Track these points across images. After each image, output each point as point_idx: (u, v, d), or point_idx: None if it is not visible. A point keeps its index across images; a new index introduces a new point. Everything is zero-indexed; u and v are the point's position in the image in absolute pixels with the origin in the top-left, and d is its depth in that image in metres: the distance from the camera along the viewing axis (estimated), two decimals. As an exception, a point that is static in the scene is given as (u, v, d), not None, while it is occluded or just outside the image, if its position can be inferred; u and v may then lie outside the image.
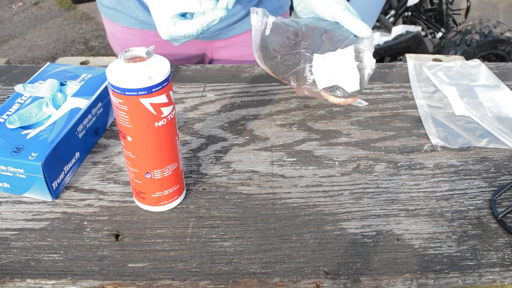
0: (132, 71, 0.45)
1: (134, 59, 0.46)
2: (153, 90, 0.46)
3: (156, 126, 0.49)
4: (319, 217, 0.56)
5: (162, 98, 0.47)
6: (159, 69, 0.47)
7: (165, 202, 0.56)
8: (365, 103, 0.69)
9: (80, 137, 0.62)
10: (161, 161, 0.52)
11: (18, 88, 0.65)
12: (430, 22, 2.23)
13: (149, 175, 0.52)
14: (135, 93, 0.46)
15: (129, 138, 0.50)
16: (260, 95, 0.78)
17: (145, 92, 0.46)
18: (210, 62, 1.00)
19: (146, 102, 0.47)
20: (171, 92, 0.49)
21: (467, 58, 0.89)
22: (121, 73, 0.46)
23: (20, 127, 0.59)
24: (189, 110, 0.74)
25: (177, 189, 0.56)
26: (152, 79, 0.46)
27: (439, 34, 2.21)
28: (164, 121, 0.49)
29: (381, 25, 2.07)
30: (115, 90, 0.46)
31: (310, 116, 0.73)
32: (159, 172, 0.52)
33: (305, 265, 0.50)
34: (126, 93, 0.46)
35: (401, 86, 0.81)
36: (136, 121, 0.48)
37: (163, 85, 0.47)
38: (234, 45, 0.94)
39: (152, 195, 0.54)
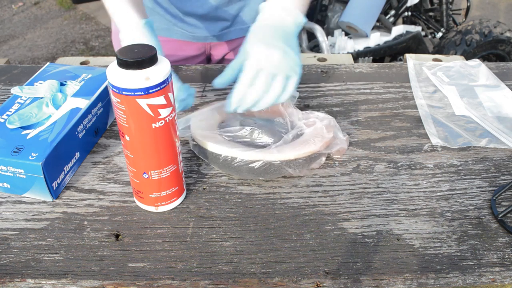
0: (131, 71, 0.45)
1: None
2: (150, 91, 0.46)
3: (153, 127, 0.49)
4: (319, 217, 0.56)
5: (160, 100, 0.47)
6: (158, 70, 0.46)
7: (162, 203, 0.55)
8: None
9: (80, 137, 0.62)
10: (158, 162, 0.52)
11: (15, 90, 0.65)
12: (430, 22, 2.23)
13: (146, 175, 0.52)
14: (132, 93, 0.46)
15: (127, 138, 0.50)
16: (260, 95, 0.78)
17: (142, 92, 0.46)
18: (209, 58, 1.00)
19: (143, 102, 0.46)
20: (170, 94, 0.48)
21: (467, 58, 0.89)
22: (119, 73, 0.46)
23: (20, 127, 0.59)
24: (189, 110, 0.74)
25: (176, 191, 0.56)
26: (150, 80, 0.46)
27: (439, 34, 2.21)
28: (162, 123, 0.49)
29: (381, 25, 2.07)
30: (113, 89, 0.46)
31: (310, 116, 0.73)
32: (157, 173, 0.52)
33: (305, 265, 0.50)
34: (124, 92, 0.46)
35: (401, 86, 0.81)
36: (133, 121, 0.48)
37: (161, 86, 0.47)
38: (232, 46, 0.94)
39: (150, 195, 0.54)
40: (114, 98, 0.47)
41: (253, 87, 0.60)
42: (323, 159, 0.62)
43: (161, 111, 0.48)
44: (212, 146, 0.61)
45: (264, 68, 0.59)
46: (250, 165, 0.59)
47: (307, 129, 0.64)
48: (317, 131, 0.63)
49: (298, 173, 0.60)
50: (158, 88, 0.46)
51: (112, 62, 0.48)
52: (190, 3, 0.83)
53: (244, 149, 0.60)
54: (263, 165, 0.59)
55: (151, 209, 0.56)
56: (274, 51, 0.60)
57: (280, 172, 0.60)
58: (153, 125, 0.48)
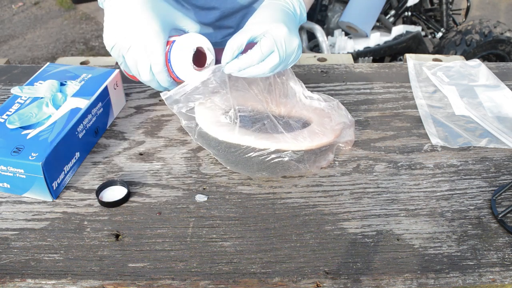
0: None
1: None
2: None
3: None
4: (319, 217, 0.56)
5: None
6: None
7: None
8: None
9: (80, 137, 0.62)
10: None
11: (15, 90, 0.65)
12: (430, 22, 2.23)
13: None
14: None
15: None
16: (260, 95, 0.78)
17: None
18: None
19: None
20: None
21: (467, 58, 0.89)
22: None
23: (20, 127, 0.59)
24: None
25: None
26: None
27: (439, 34, 2.21)
28: None
29: (381, 25, 2.07)
30: None
31: (310, 116, 0.73)
32: None
33: (305, 265, 0.50)
34: None
35: (401, 86, 0.81)
36: None
37: None
38: None
39: None
40: None
41: (261, 64, 0.59)
42: (332, 156, 0.62)
43: None
44: (222, 135, 0.60)
45: (279, 51, 0.59)
46: (261, 158, 0.58)
47: (314, 116, 0.64)
48: (325, 119, 0.63)
49: (308, 168, 0.59)
50: None
51: None
52: (195, 13, 0.83)
53: (257, 138, 0.59)
54: (274, 158, 0.58)
55: None
56: (296, 37, 0.60)
57: (290, 168, 0.59)
58: None
